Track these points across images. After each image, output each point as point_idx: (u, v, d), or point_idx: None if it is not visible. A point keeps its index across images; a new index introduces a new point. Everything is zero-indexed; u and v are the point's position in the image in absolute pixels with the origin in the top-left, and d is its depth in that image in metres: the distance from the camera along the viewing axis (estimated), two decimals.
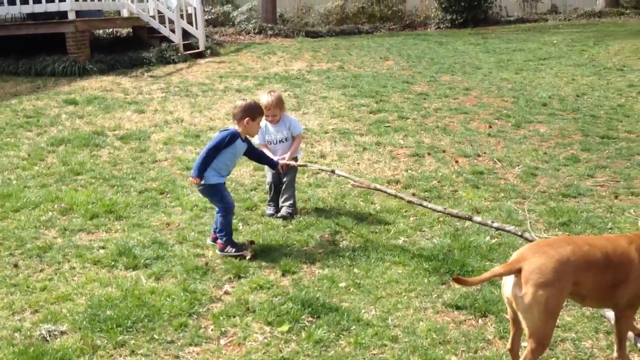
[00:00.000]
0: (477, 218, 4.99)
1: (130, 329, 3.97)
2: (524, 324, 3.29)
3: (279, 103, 5.76)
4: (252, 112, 5.15)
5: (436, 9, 22.42)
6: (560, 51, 15.18)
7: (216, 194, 5.10)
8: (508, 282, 3.34)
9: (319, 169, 6.50)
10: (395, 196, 5.43)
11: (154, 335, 3.93)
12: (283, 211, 5.80)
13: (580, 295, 3.46)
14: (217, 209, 5.15)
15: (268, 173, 6.01)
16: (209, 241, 5.24)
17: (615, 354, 3.62)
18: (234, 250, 5.01)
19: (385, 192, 5.44)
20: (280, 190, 5.88)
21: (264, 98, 5.73)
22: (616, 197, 6.16)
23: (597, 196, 6.21)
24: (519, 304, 3.26)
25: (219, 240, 5.08)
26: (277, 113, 5.79)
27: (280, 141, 5.88)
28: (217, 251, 5.05)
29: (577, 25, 20.77)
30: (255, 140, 5.70)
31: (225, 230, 5.03)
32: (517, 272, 3.26)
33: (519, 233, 4.62)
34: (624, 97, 10.49)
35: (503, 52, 15.26)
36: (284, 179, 5.87)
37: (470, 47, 16.23)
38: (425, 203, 5.24)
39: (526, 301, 3.22)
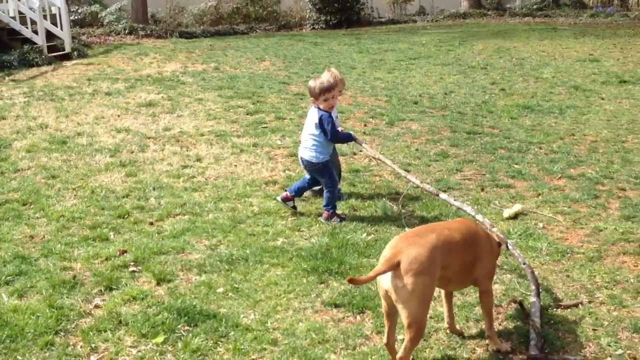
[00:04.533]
0: (443, 195, 5.53)
1: None
2: (403, 315, 3.36)
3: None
4: (328, 88, 5.69)
5: (310, 10, 22.68)
6: (429, 51, 15.80)
7: (327, 171, 5.74)
8: (385, 275, 3.40)
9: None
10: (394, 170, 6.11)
11: (18, 357, 3.67)
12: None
13: (447, 279, 3.63)
14: (325, 186, 5.78)
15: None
16: (279, 198, 5.88)
17: (486, 334, 3.80)
18: (338, 220, 5.63)
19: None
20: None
21: (333, 75, 5.85)
22: (482, 190, 6.47)
23: (465, 189, 6.49)
24: (400, 295, 3.33)
25: (325, 211, 5.70)
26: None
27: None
28: (322, 219, 5.67)
29: (443, 26, 21.73)
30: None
31: (331, 204, 5.68)
32: (397, 265, 3.34)
33: (473, 213, 5.04)
34: (487, 94, 11.06)
35: (376, 52, 15.67)
36: None
37: (344, 48, 16.54)
38: (410, 177, 5.92)
39: (408, 291, 3.31)
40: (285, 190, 5.92)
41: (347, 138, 5.94)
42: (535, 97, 10.80)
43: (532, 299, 4.13)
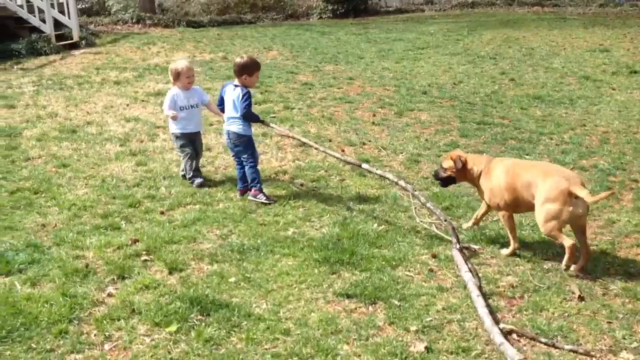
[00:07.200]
0: (365, 165, 5.88)
1: (5, 339, 3.69)
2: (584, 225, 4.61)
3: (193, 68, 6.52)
4: (250, 68, 5.89)
5: None
6: (437, 41, 15.70)
7: (251, 145, 5.97)
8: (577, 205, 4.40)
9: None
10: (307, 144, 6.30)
11: (32, 345, 3.67)
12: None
13: None
14: (246, 161, 5.91)
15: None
16: (238, 195, 5.99)
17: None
18: (264, 198, 5.81)
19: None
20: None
21: (181, 62, 6.39)
22: None
23: None
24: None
25: (253, 188, 5.85)
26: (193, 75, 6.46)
27: (192, 107, 6.36)
28: (249, 197, 5.85)
29: (451, 16, 21.61)
30: (164, 107, 6.37)
31: (257, 179, 5.87)
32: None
33: (395, 180, 5.51)
34: (497, 85, 11.00)
35: (384, 42, 15.59)
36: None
37: (352, 37, 16.47)
38: (329, 151, 6.09)
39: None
40: (243, 189, 6.04)
41: (257, 119, 6.05)
42: (546, 87, 10.74)
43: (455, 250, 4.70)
